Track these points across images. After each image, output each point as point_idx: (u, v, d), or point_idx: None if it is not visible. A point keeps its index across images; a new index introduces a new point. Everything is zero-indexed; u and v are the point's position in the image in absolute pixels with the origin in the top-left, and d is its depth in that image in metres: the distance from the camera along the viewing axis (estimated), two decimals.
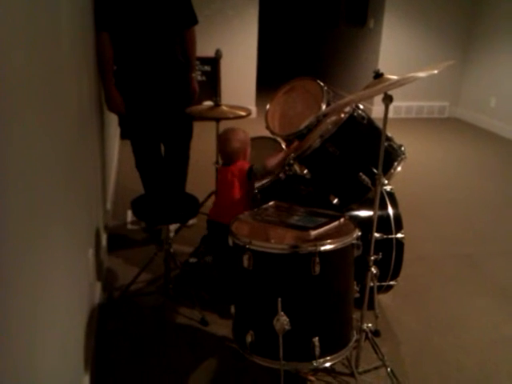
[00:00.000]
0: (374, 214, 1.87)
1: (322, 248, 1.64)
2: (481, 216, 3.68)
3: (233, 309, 1.86)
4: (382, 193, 2.31)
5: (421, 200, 3.88)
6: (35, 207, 1.13)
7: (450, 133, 5.98)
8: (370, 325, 2.02)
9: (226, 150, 2.35)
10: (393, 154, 2.08)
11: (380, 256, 2.14)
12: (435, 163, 4.85)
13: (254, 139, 2.56)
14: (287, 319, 1.62)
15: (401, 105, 6.38)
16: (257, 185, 2.39)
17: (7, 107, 0.93)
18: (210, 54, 3.19)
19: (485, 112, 6.17)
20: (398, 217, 2.30)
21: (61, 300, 1.41)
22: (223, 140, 2.36)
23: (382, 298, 2.53)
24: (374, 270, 1.94)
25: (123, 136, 4.58)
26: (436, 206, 3.81)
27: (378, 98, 1.74)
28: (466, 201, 3.95)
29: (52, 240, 1.31)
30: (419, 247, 3.11)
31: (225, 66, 3.64)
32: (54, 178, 1.37)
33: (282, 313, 1.62)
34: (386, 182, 2.07)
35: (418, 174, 4.43)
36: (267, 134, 2.66)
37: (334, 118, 2.16)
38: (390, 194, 2.37)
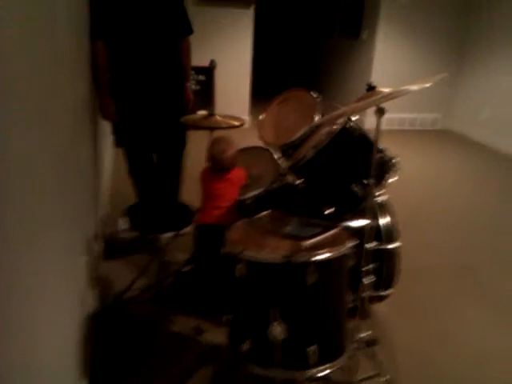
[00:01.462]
0: (368, 224, 1.89)
1: (316, 258, 1.66)
2: (476, 226, 3.71)
3: (225, 318, 1.86)
4: (374, 203, 2.33)
5: (415, 211, 3.91)
6: (27, 215, 1.14)
7: (443, 144, 6.04)
8: (366, 333, 2.03)
9: (222, 164, 2.40)
10: (385, 166, 2.11)
11: (374, 266, 2.15)
12: (428, 174, 4.89)
13: (247, 149, 2.58)
14: (282, 328, 1.63)
15: (394, 116, 6.43)
16: (250, 194, 2.41)
17: (4, 114, 0.95)
18: (205, 63, 3.21)
19: (477, 124, 6.23)
20: (391, 227, 2.32)
21: (54, 308, 1.41)
22: (219, 158, 2.39)
23: (378, 308, 2.53)
24: (368, 279, 1.95)
25: (118, 144, 4.57)
26: (431, 217, 3.83)
27: (371, 110, 1.76)
28: (461, 212, 3.98)
29: (45, 247, 1.32)
30: (416, 258, 3.12)
31: (219, 75, 3.66)
32: (46, 185, 1.38)
33: (277, 322, 1.63)
34: (379, 192, 2.09)
35: (412, 185, 4.46)
36: (260, 144, 2.68)
37: (327, 129, 2.19)
38: (383, 205, 2.39)
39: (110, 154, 4.42)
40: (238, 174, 2.43)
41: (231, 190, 2.37)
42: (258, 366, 1.73)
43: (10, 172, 0.97)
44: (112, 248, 3.04)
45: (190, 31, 2.99)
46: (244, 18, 5.80)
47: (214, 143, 2.45)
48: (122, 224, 3.28)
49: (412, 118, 6.62)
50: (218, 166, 2.42)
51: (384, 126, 6.53)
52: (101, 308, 2.46)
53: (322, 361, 1.71)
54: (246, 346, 1.73)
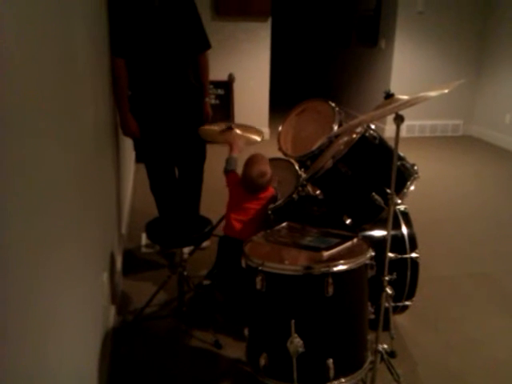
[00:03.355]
0: (388, 233, 1.86)
1: (335, 269, 1.64)
2: (497, 234, 3.62)
3: (246, 331, 1.85)
4: (395, 212, 2.30)
5: (436, 219, 3.84)
6: (49, 229, 1.15)
7: (465, 151, 5.94)
8: (385, 346, 1.99)
9: (260, 187, 2.37)
10: (405, 174, 2.08)
11: (394, 276, 2.12)
12: (450, 181, 4.81)
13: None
14: (301, 341, 1.60)
15: (414, 123, 6.36)
16: (271, 205, 2.40)
17: (28, 127, 0.96)
18: (224, 77, 3.24)
19: (499, 129, 6.12)
20: (412, 236, 2.28)
21: (75, 323, 1.42)
22: (258, 181, 2.35)
23: (398, 319, 2.49)
24: (388, 290, 1.92)
25: (138, 159, 4.63)
26: (451, 225, 3.76)
27: (391, 118, 1.75)
28: (482, 219, 3.89)
29: (66, 263, 1.32)
30: (435, 266, 3.06)
31: (238, 88, 3.69)
32: (69, 200, 1.39)
33: (296, 335, 1.61)
34: (399, 201, 2.06)
35: (433, 193, 4.39)
36: (280, 155, 2.67)
37: (345, 138, 2.17)
38: (404, 214, 2.35)
39: (132, 170, 4.47)
40: (269, 195, 2.40)
41: (259, 207, 2.37)
42: (277, 380, 1.70)
43: (35, 189, 0.98)
44: (132, 263, 3.05)
45: (208, 46, 3.02)
46: (261, 32, 5.83)
47: (252, 164, 2.37)
48: (145, 239, 3.30)
49: (433, 124, 6.54)
50: (254, 188, 2.38)
51: (404, 134, 6.44)
52: (121, 323, 2.47)
53: (341, 374, 1.67)
54: (264, 360, 1.71)
